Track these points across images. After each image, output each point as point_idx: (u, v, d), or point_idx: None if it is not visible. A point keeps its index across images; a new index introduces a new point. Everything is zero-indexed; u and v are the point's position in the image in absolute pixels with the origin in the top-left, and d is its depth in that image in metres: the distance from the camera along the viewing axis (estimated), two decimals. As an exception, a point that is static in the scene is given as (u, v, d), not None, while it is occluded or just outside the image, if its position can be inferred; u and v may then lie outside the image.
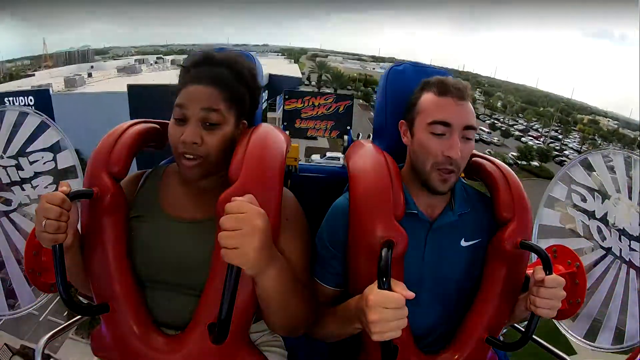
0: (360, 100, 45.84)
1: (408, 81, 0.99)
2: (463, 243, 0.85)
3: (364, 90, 49.45)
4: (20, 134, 1.25)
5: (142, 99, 13.57)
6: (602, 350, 1.24)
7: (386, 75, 1.05)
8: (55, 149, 1.28)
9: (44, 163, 1.26)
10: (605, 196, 1.25)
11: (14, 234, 1.24)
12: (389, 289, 0.63)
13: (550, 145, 37.21)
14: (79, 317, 1.10)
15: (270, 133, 0.84)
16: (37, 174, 1.26)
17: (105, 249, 0.76)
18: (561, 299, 0.71)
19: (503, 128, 42.73)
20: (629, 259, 1.21)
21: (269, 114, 23.67)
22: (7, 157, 1.24)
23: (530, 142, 36.99)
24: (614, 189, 1.24)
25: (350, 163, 0.88)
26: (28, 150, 1.25)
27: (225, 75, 0.80)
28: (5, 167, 1.24)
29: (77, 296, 1.11)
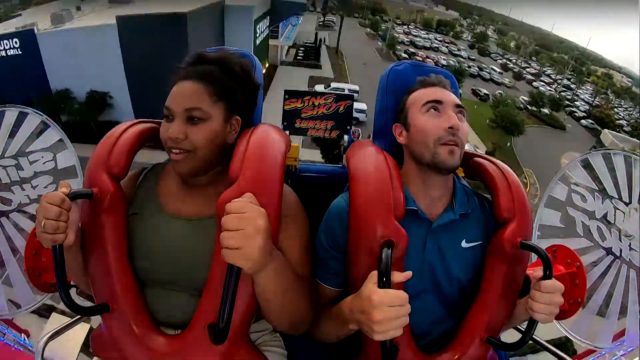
0: (368, 29, 44.31)
1: (408, 81, 0.99)
2: (464, 244, 0.85)
3: (372, 19, 47.82)
4: (20, 133, 1.25)
5: (132, 31, 13.12)
6: (602, 350, 1.24)
7: (386, 75, 1.05)
8: (55, 148, 1.28)
9: (44, 163, 1.26)
10: (605, 196, 1.25)
11: (14, 234, 1.24)
12: (390, 288, 0.63)
13: (562, 94, 36.10)
14: (79, 316, 1.10)
15: (270, 133, 0.84)
16: (37, 174, 1.26)
17: (105, 249, 0.76)
18: (559, 305, 0.71)
19: (515, 70, 41.14)
20: (629, 259, 1.21)
21: (271, 41, 23.12)
22: (7, 157, 1.24)
23: (542, 88, 35.73)
24: (614, 189, 1.24)
25: (350, 163, 0.89)
26: (28, 150, 1.25)
27: (213, 70, 0.82)
28: (5, 167, 1.23)
29: (78, 296, 1.12)
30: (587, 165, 1.30)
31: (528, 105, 29.47)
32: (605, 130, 24.60)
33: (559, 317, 1.05)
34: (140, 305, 0.76)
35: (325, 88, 21.12)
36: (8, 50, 13.65)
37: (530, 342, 0.79)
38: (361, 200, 0.78)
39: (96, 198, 0.75)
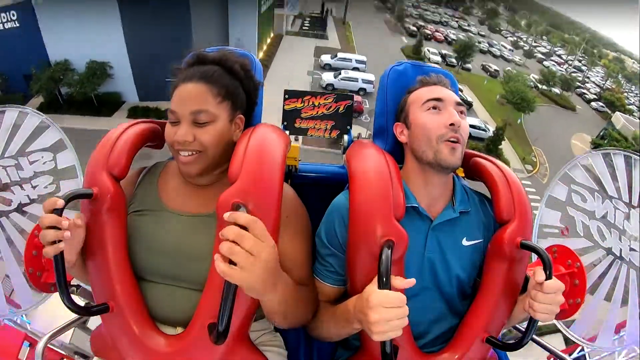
0: (376, 1, 44.07)
1: (408, 80, 0.99)
2: (464, 242, 0.85)
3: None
4: (20, 134, 1.25)
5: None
6: (602, 349, 1.24)
7: (386, 75, 1.05)
8: (55, 148, 1.28)
9: (44, 163, 1.26)
10: (605, 196, 1.25)
11: (14, 234, 1.23)
12: (389, 289, 0.63)
13: (573, 74, 36.03)
14: (79, 316, 1.10)
15: (270, 133, 0.84)
16: (37, 174, 1.26)
17: (105, 249, 0.76)
18: (559, 304, 0.72)
19: (526, 48, 41.13)
20: (629, 259, 1.21)
21: (277, 10, 22.81)
22: (7, 157, 1.24)
23: (553, 68, 35.59)
24: (614, 189, 1.24)
25: (350, 163, 0.89)
26: (28, 150, 1.25)
27: (215, 70, 0.82)
28: (5, 167, 1.23)
29: (78, 296, 1.12)
30: (587, 165, 1.30)
31: (538, 84, 29.22)
32: (618, 112, 24.30)
33: (559, 316, 1.05)
34: (140, 305, 0.76)
35: (331, 58, 21.23)
36: (5, 24, 13.28)
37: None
38: (361, 200, 0.78)
39: (96, 198, 0.75)
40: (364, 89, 19.35)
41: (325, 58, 21.80)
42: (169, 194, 0.85)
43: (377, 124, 1.07)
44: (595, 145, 21.03)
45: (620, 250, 1.21)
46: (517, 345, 0.77)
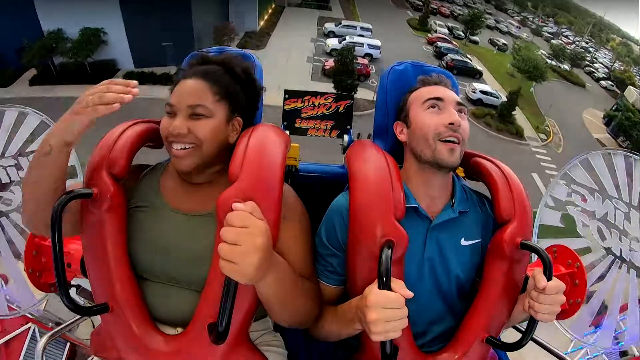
0: None
1: (408, 80, 0.99)
2: (463, 242, 0.85)
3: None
4: (20, 134, 1.25)
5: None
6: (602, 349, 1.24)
7: (387, 75, 1.05)
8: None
9: (44, 163, 1.26)
10: (605, 196, 1.25)
11: (14, 235, 1.24)
12: (389, 289, 0.63)
13: (581, 54, 35.50)
14: (79, 316, 1.10)
15: (270, 133, 0.84)
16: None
17: (105, 249, 0.76)
18: (561, 304, 0.72)
19: (533, 27, 40.36)
20: (629, 259, 1.21)
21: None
22: (7, 157, 1.24)
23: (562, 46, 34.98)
24: (614, 189, 1.24)
25: (350, 163, 0.89)
26: (28, 150, 1.25)
27: (217, 70, 0.83)
28: (5, 167, 1.24)
29: (78, 296, 1.12)
30: (587, 166, 1.30)
31: (548, 59, 28.66)
32: (630, 87, 24.23)
33: (559, 317, 1.05)
34: (140, 305, 0.76)
35: (335, 26, 20.99)
36: (-2, -6, 12.79)
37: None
38: (361, 200, 0.78)
39: (96, 198, 0.75)
40: (370, 54, 18.55)
41: (329, 25, 21.15)
42: (169, 192, 0.85)
43: (377, 124, 1.07)
44: (609, 118, 20.82)
45: (620, 250, 1.21)
46: (517, 345, 0.77)
